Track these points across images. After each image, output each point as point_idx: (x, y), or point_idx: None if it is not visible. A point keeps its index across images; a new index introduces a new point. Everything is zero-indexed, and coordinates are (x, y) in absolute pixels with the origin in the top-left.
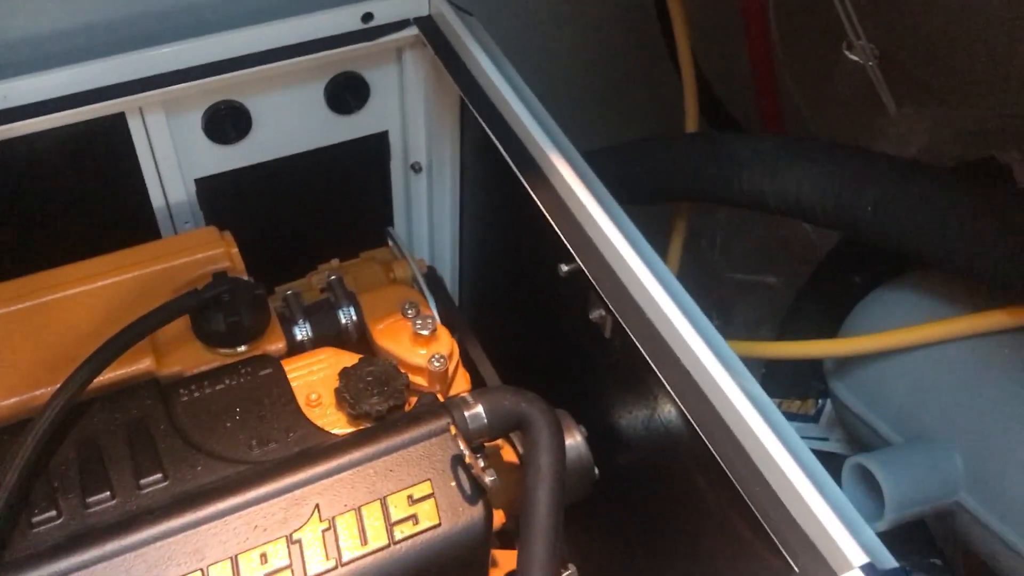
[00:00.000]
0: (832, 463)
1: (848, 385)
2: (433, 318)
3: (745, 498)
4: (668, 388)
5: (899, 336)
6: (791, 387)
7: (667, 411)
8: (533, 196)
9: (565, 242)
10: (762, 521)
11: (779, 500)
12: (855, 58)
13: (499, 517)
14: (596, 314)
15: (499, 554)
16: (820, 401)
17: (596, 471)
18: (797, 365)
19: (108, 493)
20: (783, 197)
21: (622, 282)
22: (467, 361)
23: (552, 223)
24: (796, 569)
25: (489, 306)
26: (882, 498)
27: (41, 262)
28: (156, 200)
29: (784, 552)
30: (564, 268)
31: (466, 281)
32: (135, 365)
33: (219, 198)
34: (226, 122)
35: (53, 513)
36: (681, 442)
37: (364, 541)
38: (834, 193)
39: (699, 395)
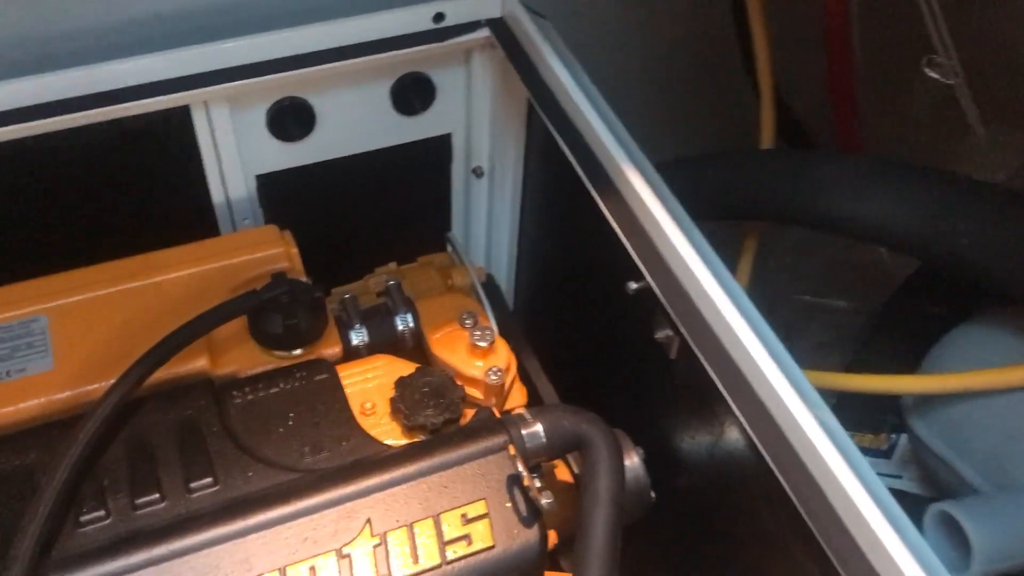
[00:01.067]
0: (905, 502)
1: (930, 424)
2: (492, 330)
3: (818, 538)
4: (737, 414)
5: (994, 376)
6: (863, 419)
7: (734, 438)
8: (602, 207)
9: (635, 258)
10: (836, 564)
11: (856, 544)
12: (935, 75)
13: (552, 537)
14: (662, 334)
15: None
16: (894, 436)
17: (652, 494)
18: (871, 397)
19: (158, 495)
20: (868, 223)
21: (694, 302)
22: (522, 375)
23: (622, 237)
24: None
25: (545, 318)
26: (966, 549)
27: (100, 254)
28: (216, 196)
29: None
30: (632, 286)
31: (521, 291)
32: (190, 364)
33: (279, 196)
34: (290, 119)
35: (102, 513)
36: (747, 471)
37: (416, 559)
38: (927, 223)
39: (771, 424)
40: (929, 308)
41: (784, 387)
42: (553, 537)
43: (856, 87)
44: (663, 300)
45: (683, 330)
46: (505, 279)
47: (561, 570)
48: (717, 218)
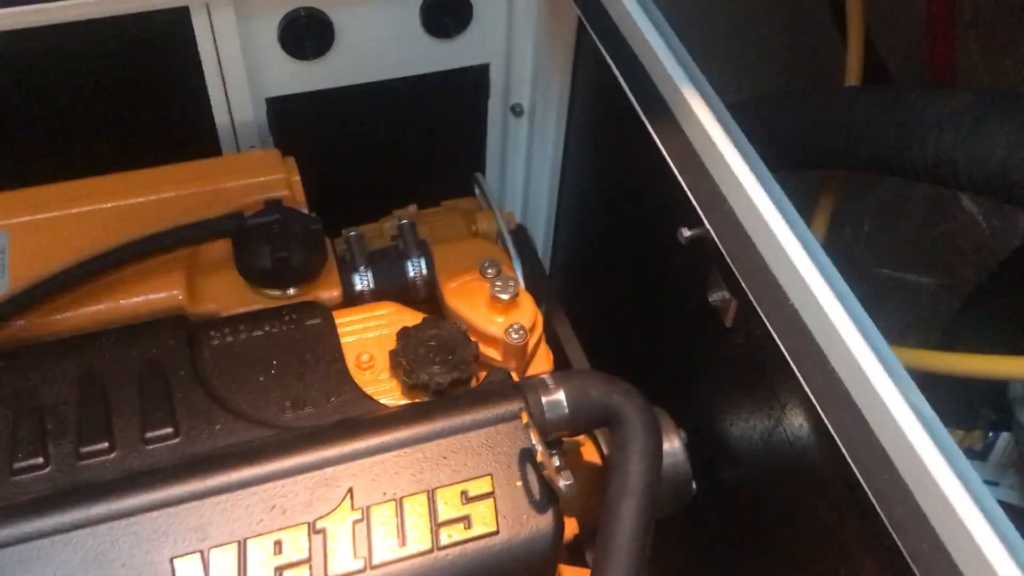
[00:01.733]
0: (1007, 514)
1: None
2: (516, 281)
3: (903, 550)
4: (811, 396)
5: None
6: (954, 414)
7: (798, 424)
8: (658, 142)
9: (692, 200)
10: None
11: (953, 562)
12: None
13: (571, 527)
14: (717, 296)
15: (568, 572)
16: (991, 434)
17: (693, 485)
18: (964, 387)
19: (107, 444)
20: (981, 167)
21: (763, 256)
22: (552, 339)
23: (677, 175)
24: None
25: (585, 278)
26: None
27: (83, 170)
28: (220, 117)
29: None
30: (686, 233)
31: (560, 247)
32: (161, 293)
33: (291, 123)
34: (305, 34)
35: (40, 460)
36: (814, 465)
37: (403, 541)
38: None
39: (852, 409)
40: None
41: (870, 364)
42: (573, 526)
43: (956, 28)
44: (723, 250)
45: (746, 288)
46: (543, 234)
47: (585, 564)
48: (794, 167)
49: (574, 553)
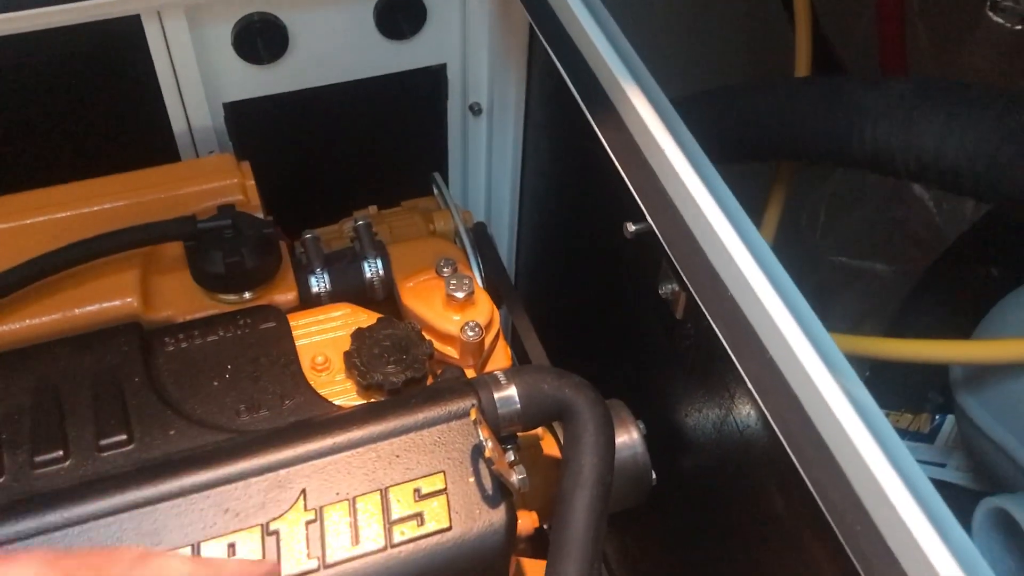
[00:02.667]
0: (949, 495)
1: (984, 401)
2: (471, 279)
3: (839, 535)
4: (750, 385)
5: None
6: (902, 397)
7: (746, 413)
8: (602, 139)
9: (635, 195)
10: (859, 569)
11: (887, 545)
12: (1000, 20)
13: (531, 520)
14: (667, 289)
15: (528, 565)
16: (937, 417)
17: (653, 475)
18: (912, 371)
19: (61, 452)
20: (917, 154)
21: (702, 249)
22: (515, 339)
23: (620, 171)
24: None
25: (546, 276)
26: None
27: (40, 178)
28: (177, 124)
29: None
30: (631, 228)
31: (523, 247)
32: (115, 301)
33: (250, 127)
34: (259, 39)
35: None
36: (760, 452)
37: (356, 540)
38: (987, 151)
39: (789, 397)
40: (984, 269)
41: (806, 352)
42: (534, 520)
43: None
44: (665, 245)
45: (689, 282)
46: (508, 234)
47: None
48: (742, 159)
49: (538, 547)
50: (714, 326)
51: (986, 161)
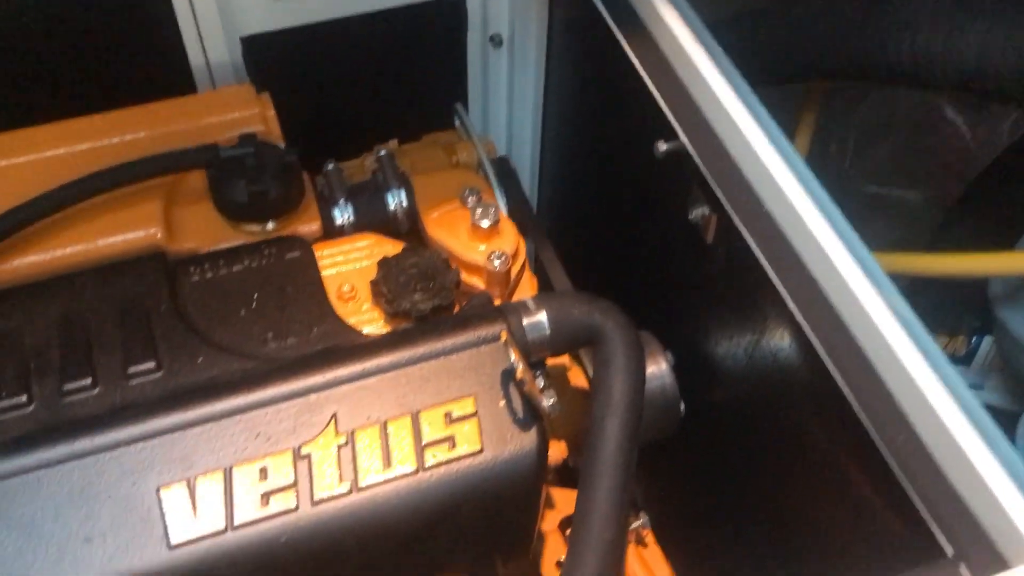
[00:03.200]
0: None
1: None
2: (496, 207)
3: (884, 453)
4: (789, 303)
5: None
6: (937, 321)
7: (780, 335)
8: (631, 56)
9: (667, 113)
10: (906, 486)
11: (932, 459)
12: None
13: (561, 450)
14: (698, 213)
15: (558, 494)
16: (974, 340)
17: (682, 406)
18: (947, 293)
19: (89, 380)
20: (958, 63)
21: (738, 166)
22: (540, 270)
23: (651, 88)
24: (950, 553)
25: (571, 209)
26: None
27: (57, 114)
28: (195, 58)
29: (936, 530)
30: (663, 147)
31: (547, 180)
32: (139, 232)
33: (268, 62)
34: None
35: (23, 398)
36: (796, 375)
37: (388, 463)
38: None
39: (830, 312)
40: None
41: (851, 269)
42: (562, 450)
43: None
44: (699, 163)
45: (724, 201)
46: (529, 167)
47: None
48: (777, 81)
49: (565, 478)
50: (753, 247)
51: None
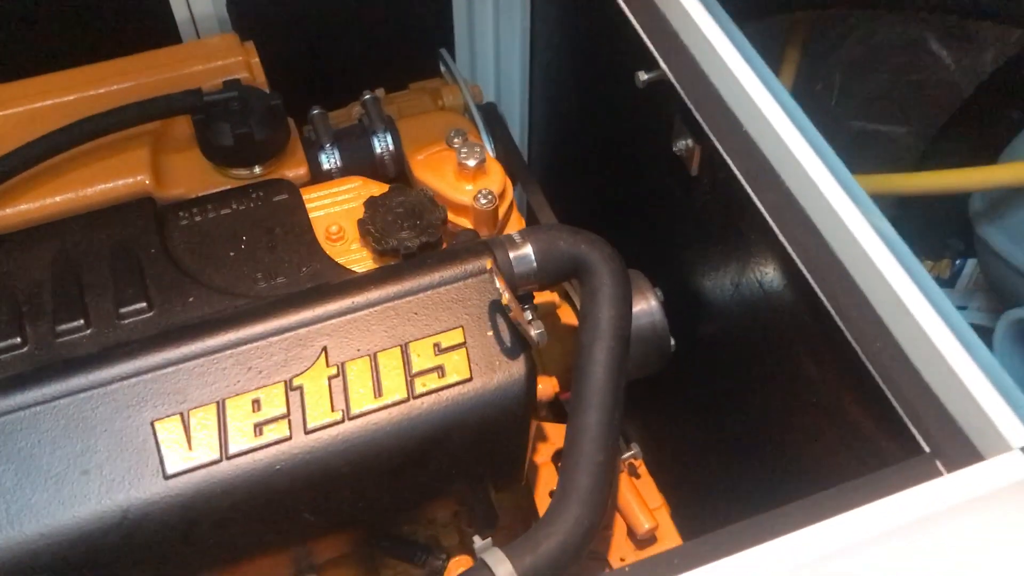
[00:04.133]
0: None
1: (1004, 229)
2: (482, 147)
3: (863, 359)
4: (773, 226)
5: None
6: (922, 245)
7: (765, 261)
8: None
9: (647, 43)
10: (884, 389)
11: (909, 362)
12: None
13: (552, 385)
14: (682, 144)
15: (550, 428)
16: (958, 262)
17: (672, 342)
18: (931, 217)
19: (82, 321)
20: None
21: (720, 94)
22: (530, 214)
23: (632, 20)
24: (928, 450)
25: (561, 154)
26: None
27: (39, 66)
28: (179, 11)
29: (913, 429)
30: (643, 76)
31: (536, 126)
32: (127, 179)
33: (252, 13)
34: None
35: (17, 340)
36: (781, 298)
37: (378, 392)
38: None
39: (813, 233)
40: (1007, 113)
41: (834, 191)
42: (553, 385)
43: None
44: (682, 93)
45: (707, 130)
46: (518, 115)
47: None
48: (758, 13)
49: (558, 413)
50: (735, 172)
51: None
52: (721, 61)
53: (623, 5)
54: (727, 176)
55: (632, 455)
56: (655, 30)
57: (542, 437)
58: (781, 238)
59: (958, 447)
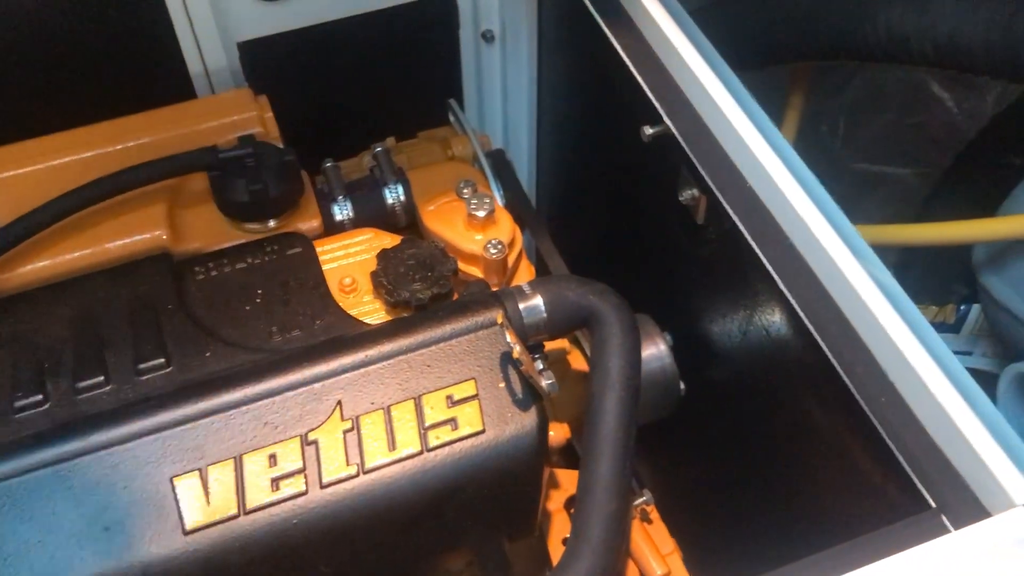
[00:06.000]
0: (978, 381)
1: (1007, 279)
2: (491, 198)
3: (869, 414)
4: (776, 277)
5: None
6: (926, 291)
7: (770, 311)
8: (615, 45)
9: (651, 99)
10: (890, 444)
11: (915, 417)
12: None
13: (564, 432)
14: (688, 195)
15: (563, 475)
16: (962, 307)
17: (682, 385)
18: (935, 263)
19: (102, 378)
20: (932, 37)
21: (722, 147)
22: (539, 261)
23: (637, 76)
24: (934, 505)
25: (569, 201)
26: None
27: (58, 123)
28: (193, 65)
29: (919, 485)
30: (648, 131)
31: (544, 173)
32: (144, 235)
33: (265, 65)
34: None
35: (39, 397)
36: (788, 348)
37: (392, 446)
38: (1002, 22)
39: (815, 286)
40: (1007, 159)
41: (832, 241)
42: (565, 432)
43: None
44: (685, 146)
45: (710, 181)
46: (526, 162)
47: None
48: (759, 64)
49: (570, 460)
50: (738, 223)
51: (1001, 32)
52: (723, 116)
53: (627, 61)
54: (732, 227)
55: (644, 501)
56: (659, 85)
57: (554, 484)
58: (785, 292)
59: (964, 503)
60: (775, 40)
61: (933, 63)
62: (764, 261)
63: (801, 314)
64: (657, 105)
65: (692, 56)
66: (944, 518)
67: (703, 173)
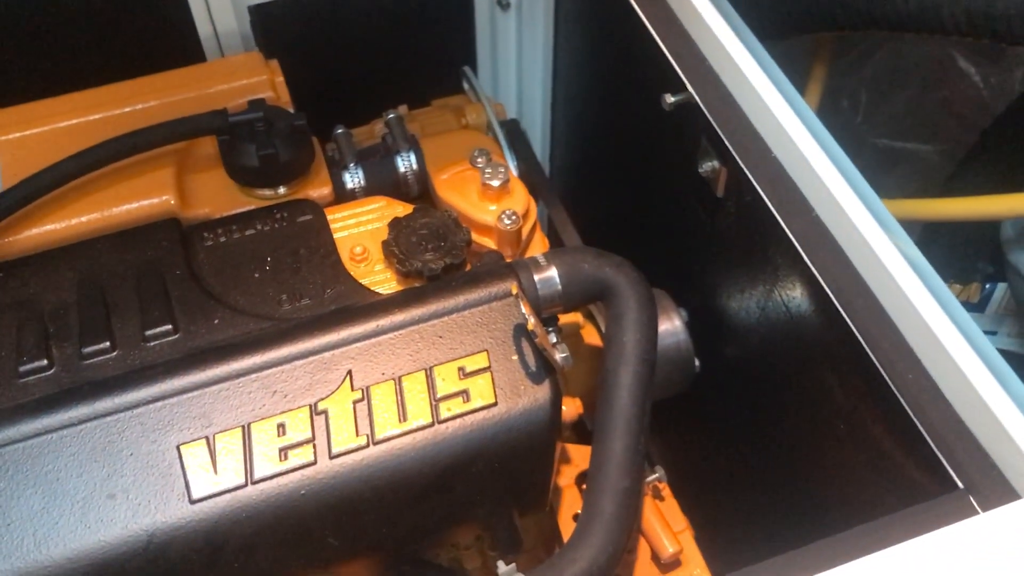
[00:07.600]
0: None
1: None
2: (506, 167)
3: (895, 392)
4: (799, 250)
5: None
6: (950, 269)
7: (791, 285)
8: (637, 11)
9: (675, 66)
10: (917, 423)
11: (943, 395)
12: None
13: (576, 407)
14: (708, 166)
15: (575, 450)
16: (987, 286)
17: (696, 362)
18: (959, 241)
19: (108, 344)
20: (965, 4)
21: (746, 116)
22: (553, 232)
23: (659, 42)
24: (961, 485)
25: (584, 171)
26: None
27: (63, 84)
28: (203, 28)
29: (947, 465)
30: (670, 99)
31: (559, 143)
32: (152, 199)
33: (276, 30)
34: None
35: (44, 362)
36: (809, 324)
37: (403, 417)
38: None
39: (842, 260)
40: None
41: (861, 216)
42: (577, 407)
43: None
44: (707, 115)
45: (734, 153)
46: (540, 132)
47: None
48: (782, 34)
49: (582, 435)
50: (763, 196)
51: None
52: (749, 84)
53: (650, 27)
54: (754, 199)
55: (656, 478)
56: (682, 52)
57: (566, 459)
58: (809, 265)
59: (993, 484)
60: (801, 7)
61: (966, 32)
62: (788, 234)
63: (827, 289)
64: (680, 73)
65: (717, 23)
66: (972, 499)
67: (726, 143)
